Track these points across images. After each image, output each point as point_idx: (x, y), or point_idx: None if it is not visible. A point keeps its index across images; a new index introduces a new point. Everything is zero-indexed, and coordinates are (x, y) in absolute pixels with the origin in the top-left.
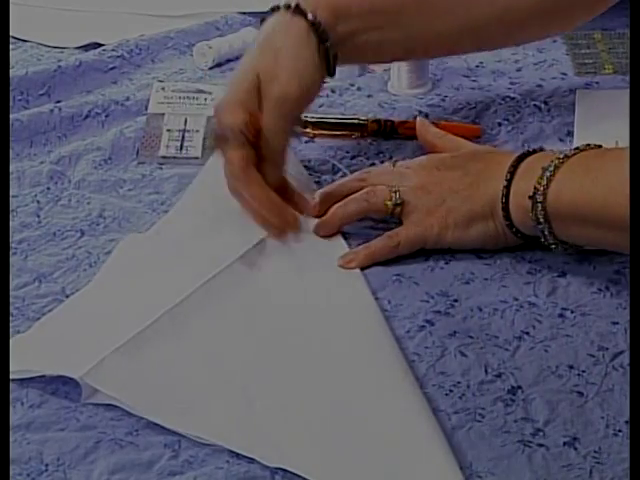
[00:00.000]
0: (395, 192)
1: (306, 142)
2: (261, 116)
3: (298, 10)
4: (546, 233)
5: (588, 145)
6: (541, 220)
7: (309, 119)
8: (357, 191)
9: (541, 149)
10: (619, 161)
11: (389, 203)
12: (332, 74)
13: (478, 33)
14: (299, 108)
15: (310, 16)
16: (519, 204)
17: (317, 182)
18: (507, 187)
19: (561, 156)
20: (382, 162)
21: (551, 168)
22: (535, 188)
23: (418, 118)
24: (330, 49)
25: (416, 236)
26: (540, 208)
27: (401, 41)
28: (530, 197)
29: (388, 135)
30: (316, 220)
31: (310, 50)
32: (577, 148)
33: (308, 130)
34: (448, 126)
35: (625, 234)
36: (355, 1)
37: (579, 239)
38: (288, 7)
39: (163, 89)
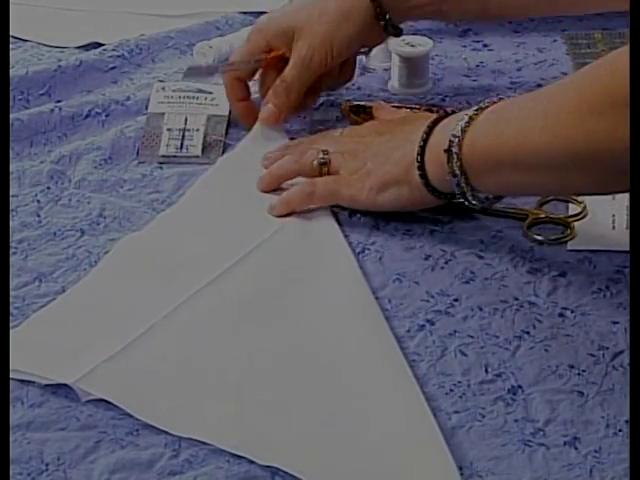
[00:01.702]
0: (322, 152)
1: None
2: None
3: None
4: (462, 185)
5: (502, 98)
6: (457, 172)
7: (360, 105)
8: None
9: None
10: (532, 101)
11: (315, 162)
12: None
13: None
14: (323, 70)
15: None
16: (434, 160)
17: None
18: (423, 145)
19: (475, 108)
20: None
21: (465, 119)
22: (450, 141)
23: (375, 103)
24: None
25: (331, 190)
26: (456, 159)
27: (475, 7)
28: (445, 150)
29: None
30: (312, 220)
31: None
32: (492, 101)
33: (356, 117)
34: None
35: (540, 173)
36: None
37: (496, 187)
38: None
39: (163, 89)
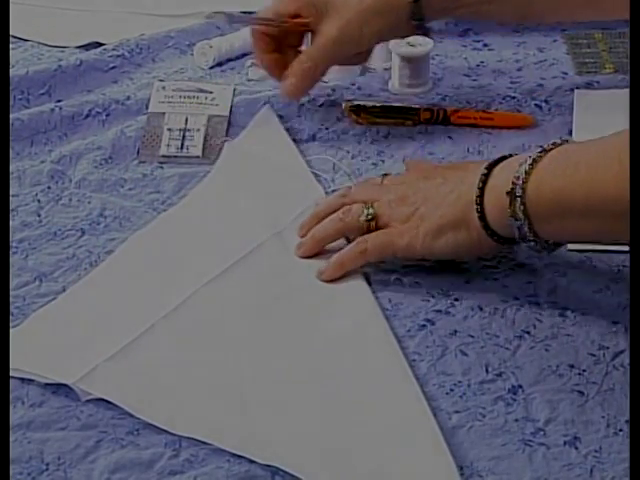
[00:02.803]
0: (368, 207)
1: (306, 142)
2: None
3: None
4: (525, 230)
5: (566, 140)
6: (520, 216)
7: (360, 105)
8: (339, 209)
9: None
10: (602, 146)
11: (362, 219)
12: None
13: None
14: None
15: None
16: (495, 203)
17: (317, 179)
18: (482, 187)
19: (539, 150)
20: (382, 161)
21: (529, 162)
22: (513, 183)
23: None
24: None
25: (384, 243)
26: (519, 203)
27: (514, 10)
28: (508, 193)
29: (440, 123)
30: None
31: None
32: (554, 143)
33: (357, 117)
34: (500, 115)
35: (610, 221)
36: None
37: (560, 233)
38: None
39: (164, 88)
